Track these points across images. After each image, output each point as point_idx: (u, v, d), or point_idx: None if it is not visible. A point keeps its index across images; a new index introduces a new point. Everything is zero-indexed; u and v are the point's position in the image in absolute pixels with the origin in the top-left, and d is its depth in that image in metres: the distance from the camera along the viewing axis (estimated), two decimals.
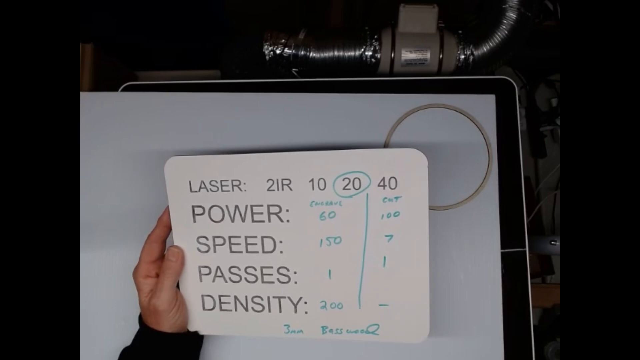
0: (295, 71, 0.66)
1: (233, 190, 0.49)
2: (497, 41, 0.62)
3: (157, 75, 0.84)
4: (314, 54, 0.64)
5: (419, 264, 0.48)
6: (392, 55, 0.62)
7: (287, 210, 0.49)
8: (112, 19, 0.80)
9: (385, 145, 0.57)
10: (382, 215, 0.48)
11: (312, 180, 0.48)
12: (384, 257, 0.49)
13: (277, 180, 0.48)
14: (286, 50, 0.64)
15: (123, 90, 0.61)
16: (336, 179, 0.48)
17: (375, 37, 0.63)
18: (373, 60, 0.63)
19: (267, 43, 0.64)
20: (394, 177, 0.47)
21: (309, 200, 0.48)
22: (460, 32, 0.63)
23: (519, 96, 0.59)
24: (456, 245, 0.55)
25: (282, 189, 0.48)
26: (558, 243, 0.78)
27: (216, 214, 0.50)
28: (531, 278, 0.55)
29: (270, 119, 0.59)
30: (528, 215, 0.63)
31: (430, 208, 0.55)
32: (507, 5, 0.61)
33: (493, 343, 0.54)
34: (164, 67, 0.85)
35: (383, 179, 0.47)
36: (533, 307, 0.55)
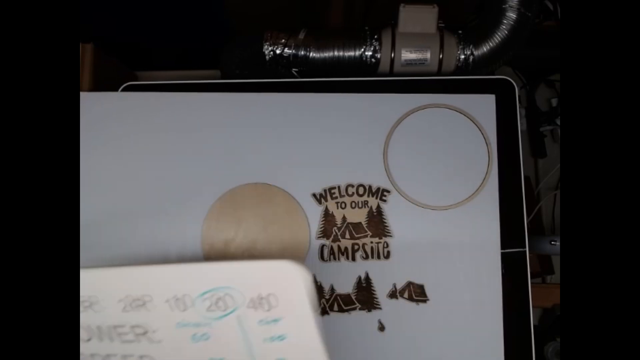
0: (295, 71, 0.66)
1: (86, 311, 0.40)
2: (497, 41, 0.62)
3: (157, 75, 0.84)
4: (314, 54, 0.64)
5: None
6: (392, 55, 0.62)
7: (154, 331, 0.40)
8: (112, 19, 0.80)
9: (386, 146, 0.57)
10: (265, 339, 0.39)
11: (168, 300, 0.39)
12: None
13: (130, 300, 0.40)
14: (286, 50, 0.64)
15: (123, 90, 0.61)
16: (197, 298, 0.39)
17: (375, 37, 0.63)
18: (373, 60, 0.63)
19: (267, 43, 0.64)
20: (269, 296, 0.38)
21: (174, 322, 0.40)
22: (460, 32, 0.63)
23: (519, 96, 0.59)
24: (456, 245, 0.55)
25: (138, 310, 0.40)
26: (558, 243, 0.78)
27: (82, 333, 0.42)
28: (531, 278, 0.55)
29: (270, 119, 0.59)
30: (528, 215, 0.63)
31: (431, 208, 0.55)
32: (507, 5, 0.61)
33: (493, 343, 0.54)
34: (164, 67, 0.85)
35: (254, 298, 0.38)
36: (533, 307, 0.55)
